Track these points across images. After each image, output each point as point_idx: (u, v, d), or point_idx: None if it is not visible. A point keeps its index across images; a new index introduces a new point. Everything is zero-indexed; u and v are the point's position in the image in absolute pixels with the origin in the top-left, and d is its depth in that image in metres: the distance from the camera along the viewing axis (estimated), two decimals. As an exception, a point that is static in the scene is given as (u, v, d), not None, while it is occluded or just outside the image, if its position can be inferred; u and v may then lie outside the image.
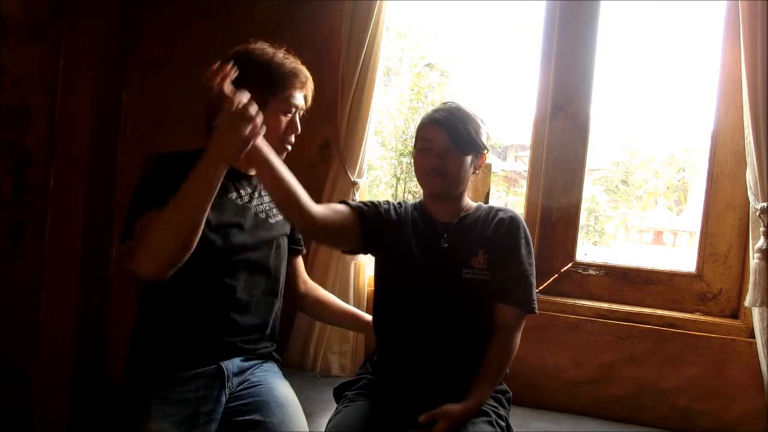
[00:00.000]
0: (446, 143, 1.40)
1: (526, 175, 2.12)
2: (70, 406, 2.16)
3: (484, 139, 1.46)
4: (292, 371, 1.76)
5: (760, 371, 1.72)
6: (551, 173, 2.00)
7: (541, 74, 2.02)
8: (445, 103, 1.50)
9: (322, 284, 1.83)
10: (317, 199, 1.40)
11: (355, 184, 1.98)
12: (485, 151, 1.48)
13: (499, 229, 1.46)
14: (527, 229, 1.49)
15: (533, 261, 1.47)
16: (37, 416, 2.21)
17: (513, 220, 1.47)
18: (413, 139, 1.48)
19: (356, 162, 1.98)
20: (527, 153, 2.13)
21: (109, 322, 2.33)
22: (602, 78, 2.01)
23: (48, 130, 2.21)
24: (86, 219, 2.21)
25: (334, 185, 1.99)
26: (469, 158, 1.43)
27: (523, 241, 1.46)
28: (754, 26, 1.66)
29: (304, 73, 1.49)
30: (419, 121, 1.49)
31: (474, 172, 1.48)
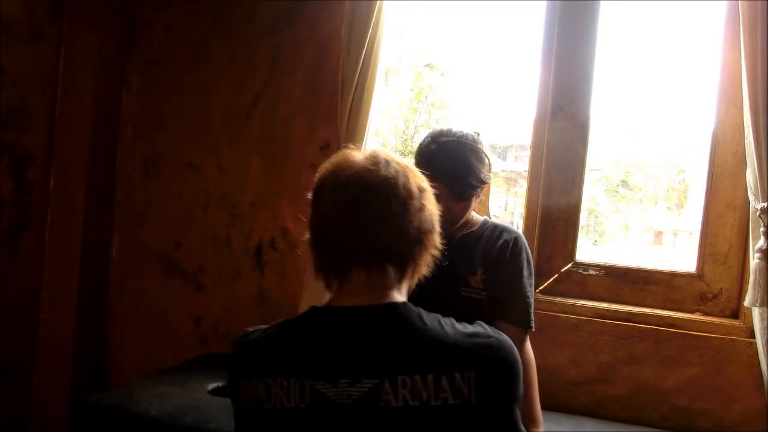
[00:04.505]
0: (448, 195, 1.38)
1: (525, 175, 2.12)
2: (70, 406, 2.16)
3: (484, 174, 1.44)
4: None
5: (760, 371, 1.72)
6: (551, 173, 2.00)
7: (541, 74, 2.02)
8: (441, 142, 1.43)
9: (318, 289, 1.82)
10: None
11: (355, 184, 1.97)
12: (488, 182, 1.48)
13: (503, 251, 1.47)
14: (529, 250, 1.51)
15: (533, 281, 1.50)
16: (37, 416, 2.21)
17: (516, 241, 1.49)
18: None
19: (356, 162, 1.97)
20: (527, 153, 2.13)
21: (109, 322, 2.33)
22: (602, 78, 2.01)
23: (48, 130, 2.21)
24: (86, 219, 2.22)
25: (335, 185, 1.98)
26: (473, 199, 1.45)
27: (525, 263, 1.48)
28: (754, 26, 1.65)
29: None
30: (417, 151, 1.45)
31: (477, 197, 1.48)
